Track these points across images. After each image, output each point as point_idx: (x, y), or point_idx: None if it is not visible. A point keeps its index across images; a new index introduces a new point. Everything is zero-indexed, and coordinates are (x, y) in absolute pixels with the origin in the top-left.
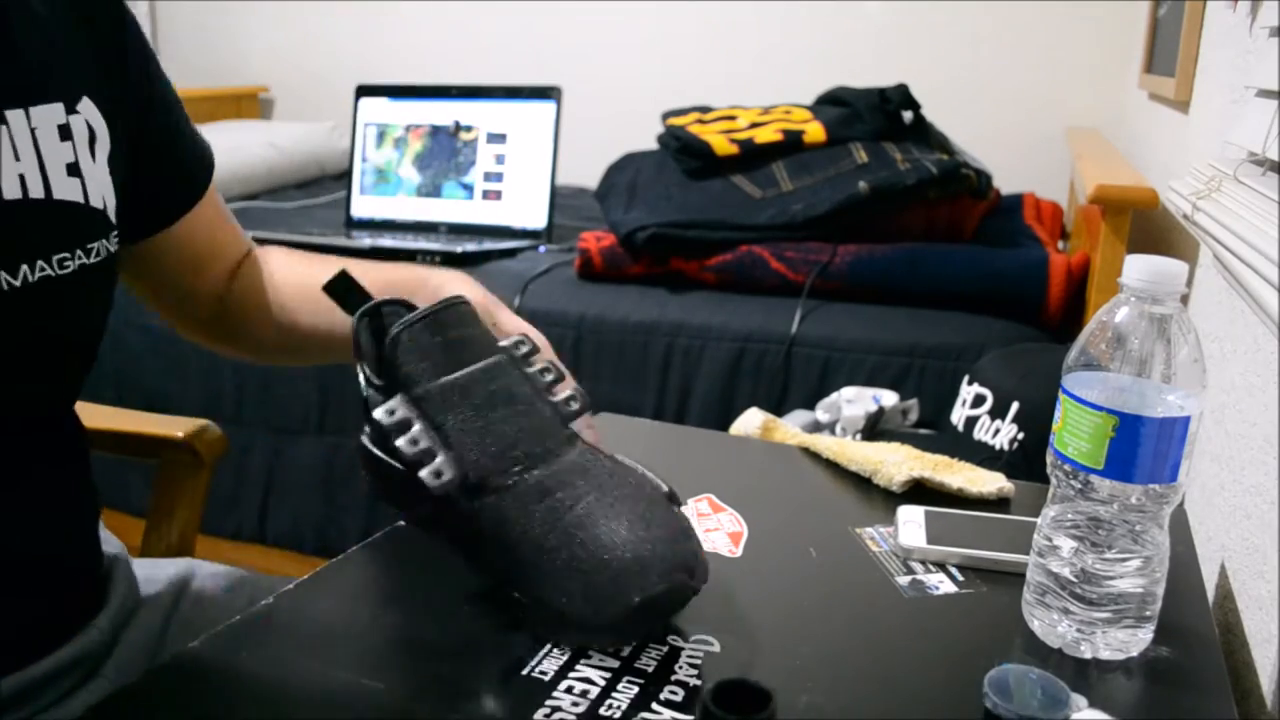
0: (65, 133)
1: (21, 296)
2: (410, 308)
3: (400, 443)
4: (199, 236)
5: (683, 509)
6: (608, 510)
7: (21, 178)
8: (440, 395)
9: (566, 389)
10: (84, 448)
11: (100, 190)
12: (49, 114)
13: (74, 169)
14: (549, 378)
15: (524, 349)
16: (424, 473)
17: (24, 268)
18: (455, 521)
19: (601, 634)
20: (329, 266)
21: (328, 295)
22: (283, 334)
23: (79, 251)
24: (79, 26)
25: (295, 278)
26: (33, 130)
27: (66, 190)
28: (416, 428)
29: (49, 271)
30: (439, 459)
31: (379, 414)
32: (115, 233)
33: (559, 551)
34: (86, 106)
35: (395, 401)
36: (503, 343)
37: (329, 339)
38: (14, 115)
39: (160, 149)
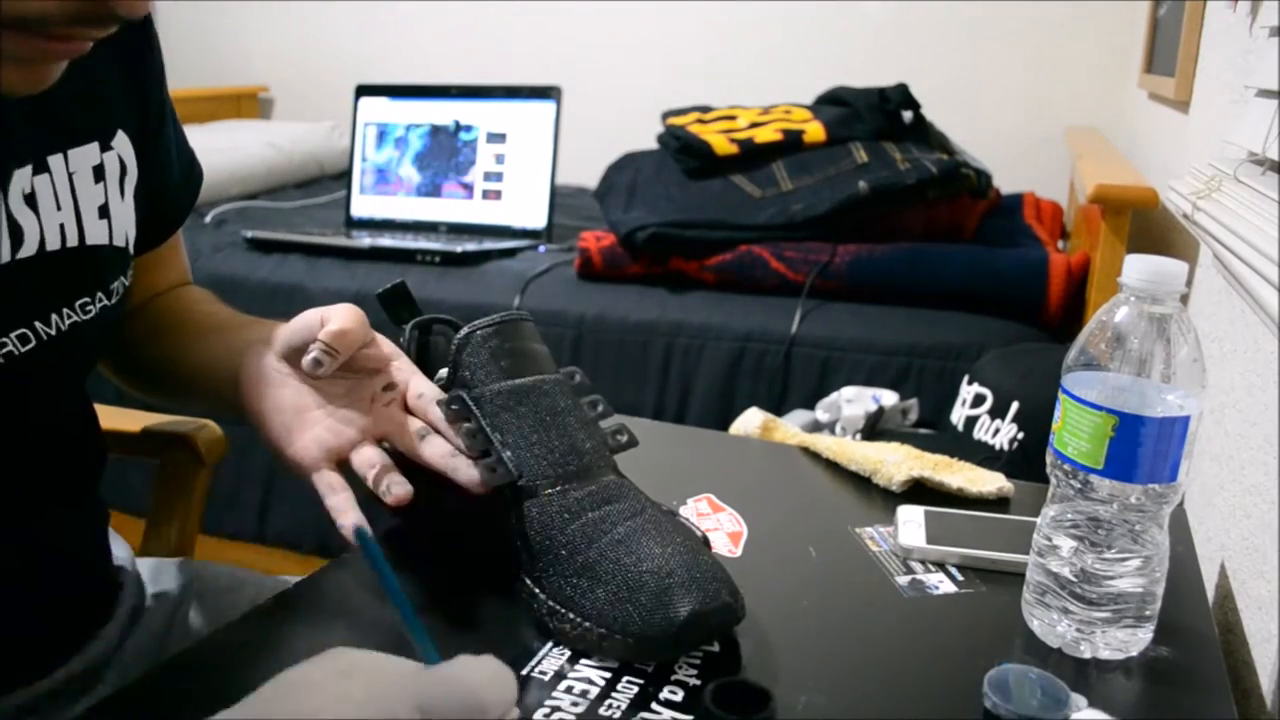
0: (99, 173)
1: (55, 345)
2: (456, 326)
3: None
4: (154, 261)
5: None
6: (655, 530)
7: (61, 227)
8: (500, 397)
9: (613, 423)
10: (99, 458)
11: (124, 228)
12: (85, 155)
13: (104, 210)
14: (599, 409)
15: (578, 379)
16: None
17: (54, 317)
18: (490, 519)
19: (646, 644)
20: (245, 320)
21: (380, 303)
22: (167, 366)
23: (99, 294)
24: (116, 57)
25: (208, 307)
26: (70, 175)
27: (96, 234)
28: (474, 423)
29: (75, 318)
30: (496, 455)
31: (439, 405)
32: (130, 266)
33: (604, 560)
34: (120, 140)
35: (455, 395)
36: (561, 370)
37: (214, 381)
38: (55, 161)
39: (161, 172)
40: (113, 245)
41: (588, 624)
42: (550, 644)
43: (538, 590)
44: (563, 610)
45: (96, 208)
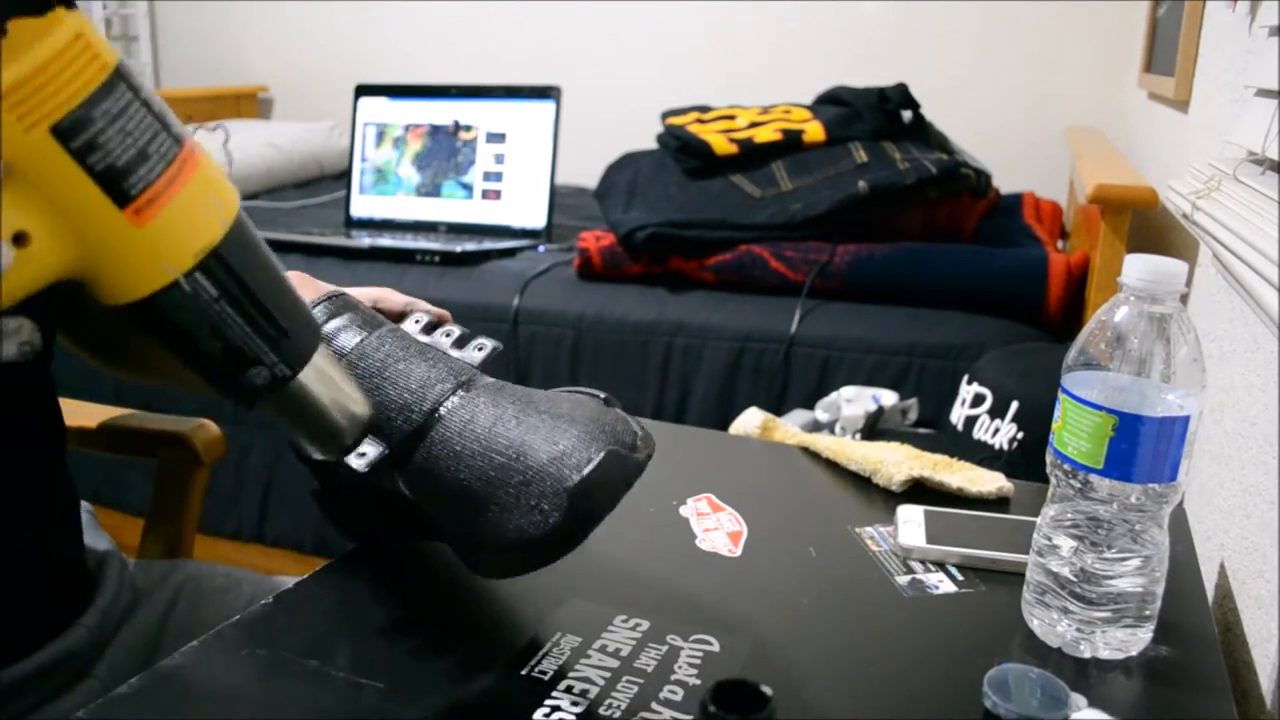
0: None
1: None
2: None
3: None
4: None
5: (618, 407)
6: (525, 420)
7: None
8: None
9: (475, 341)
10: (59, 438)
11: None
12: None
13: None
14: (453, 336)
15: (422, 322)
16: (350, 459)
17: None
18: (401, 501)
19: (554, 539)
20: None
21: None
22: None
23: None
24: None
25: None
26: None
27: None
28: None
29: None
30: (358, 442)
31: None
32: None
33: (488, 476)
34: None
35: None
36: (405, 325)
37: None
38: None
39: None
40: None
41: (502, 543)
42: (550, 644)
43: (468, 541)
44: (477, 543)
45: None
